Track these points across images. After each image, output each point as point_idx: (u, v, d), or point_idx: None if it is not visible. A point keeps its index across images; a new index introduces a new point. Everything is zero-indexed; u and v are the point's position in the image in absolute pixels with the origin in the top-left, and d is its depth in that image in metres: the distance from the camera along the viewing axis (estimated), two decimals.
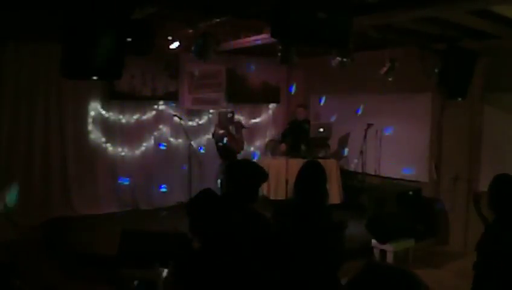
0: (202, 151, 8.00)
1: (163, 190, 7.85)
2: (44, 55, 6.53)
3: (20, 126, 6.67)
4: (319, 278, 2.81)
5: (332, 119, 8.26)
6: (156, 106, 7.93)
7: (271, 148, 8.81)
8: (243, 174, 2.67)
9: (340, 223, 3.00)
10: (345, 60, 5.87)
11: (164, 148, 7.98)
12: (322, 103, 8.61)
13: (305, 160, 3.48)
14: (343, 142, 8.31)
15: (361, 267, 1.34)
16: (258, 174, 2.72)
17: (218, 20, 4.84)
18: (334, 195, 7.35)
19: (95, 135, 7.42)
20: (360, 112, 7.78)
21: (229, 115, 6.91)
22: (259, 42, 6.10)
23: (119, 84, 7.19)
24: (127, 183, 7.61)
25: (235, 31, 6.09)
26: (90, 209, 7.18)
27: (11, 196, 6.58)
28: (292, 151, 7.85)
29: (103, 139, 7.49)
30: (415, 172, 7.13)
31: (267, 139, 9.02)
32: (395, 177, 7.38)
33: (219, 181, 6.60)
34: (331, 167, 7.38)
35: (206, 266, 2.49)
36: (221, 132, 7.03)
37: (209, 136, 8.50)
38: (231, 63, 8.34)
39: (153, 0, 4.30)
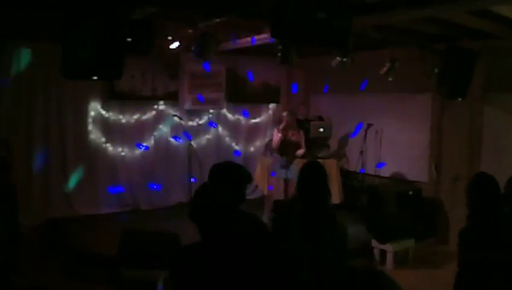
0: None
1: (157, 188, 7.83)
2: (44, 55, 6.53)
3: (20, 126, 6.68)
4: (324, 279, 2.81)
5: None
6: (156, 106, 7.94)
7: (271, 148, 8.81)
8: (229, 177, 2.61)
9: (342, 223, 2.99)
10: (345, 60, 5.87)
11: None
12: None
13: (304, 160, 3.48)
14: (343, 142, 8.32)
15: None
16: (243, 175, 2.67)
17: (218, 20, 4.84)
18: (334, 195, 7.31)
19: (95, 135, 7.42)
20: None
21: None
22: (258, 42, 6.10)
23: (119, 84, 7.18)
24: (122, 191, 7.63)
25: (235, 31, 6.09)
26: (90, 209, 7.19)
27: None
28: None
29: (103, 139, 7.49)
30: (414, 172, 7.13)
31: (267, 139, 9.01)
32: (395, 177, 7.39)
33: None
34: (331, 167, 7.38)
35: (205, 261, 2.47)
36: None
37: (209, 136, 8.52)
38: (231, 63, 8.34)
39: (153, 0, 4.30)
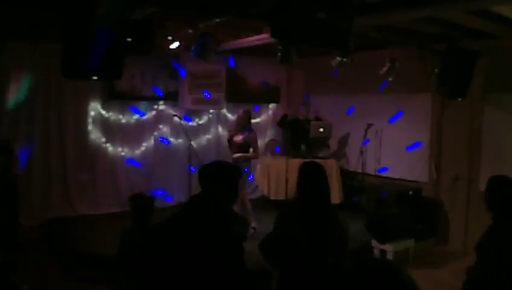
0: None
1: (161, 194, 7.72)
2: (44, 55, 6.53)
3: (20, 126, 6.68)
4: (324, 278, 2.81)
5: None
6: (156, 106, 7.94)
7: (271, 148, 8.82)
8: (221, 175, 2.57)
9: (344, 222, 2.99)
10: (345, 60, 5.86)
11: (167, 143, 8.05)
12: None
13: (305, 160, 3.48)
14: (343, 142, 8.32)
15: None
16: (233, 172, 2.65)
17: (218, 20, 4.84)
18: (334, 195, 7.34)
19: (95, 135, 7.42)
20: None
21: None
22: (258, 42, 6.10)
23: (119, 84, 7.19)
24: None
25: (235, 31, 6.09)
26: (90, 209, 7.19)
27: None
28: (292, 151, 7.85)
29: (103, 139, 7.49)
30: (414, 172, 7.13)
31: (267, 139, 9.02)
32: (395, 177, 7.39)
33: None
34: (331, 167, 7.39)
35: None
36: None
37: (209, 136, 8.51)
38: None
39: (153, 0, 4.30)
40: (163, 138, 8.01)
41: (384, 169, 7.51)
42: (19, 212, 5.59)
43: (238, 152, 6.39)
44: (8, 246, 5.21)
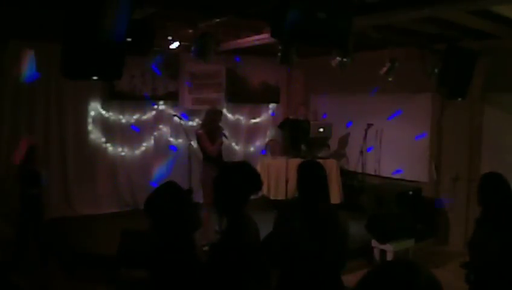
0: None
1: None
2: (44, 55, 6.53)
3: (20, 126, 6.67)
4: (324, 278, 2.81)
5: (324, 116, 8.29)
6: (156, 106, 7.94)
7: (271, 148, 8.81)
8: (237, 179, 2.55)
9: (344, 222, 2.99)
10: (345, 60, 5.86)
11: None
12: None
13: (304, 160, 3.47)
14: (343, 142, 8.32)
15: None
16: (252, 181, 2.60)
17: (218, 20, 4.84)
18: (334, 195, 7.33)
19: (95, 135, 7.42)
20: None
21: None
22: (258, 42, 6.10)
23: (119, 84, 7.19)
24: None
25: (235, 31, 6.09)
26: (90, 209, 7.19)
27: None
28: (292, 151, 7.84)
29: (103, 139, 7.49)
30: (414, 172, 7.13)
31: (267, 139, 9.02)
32: (395, 177, 7.39)
33: None
34: (331, 167, 7.39)
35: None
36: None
37: None
38: (231, 63, 8.34)
39: (153, 0, 4.30)
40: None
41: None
42: (40, 221, 5.56)
43: (219, 156, 6.20)
44: (9, 245, 5.23)
